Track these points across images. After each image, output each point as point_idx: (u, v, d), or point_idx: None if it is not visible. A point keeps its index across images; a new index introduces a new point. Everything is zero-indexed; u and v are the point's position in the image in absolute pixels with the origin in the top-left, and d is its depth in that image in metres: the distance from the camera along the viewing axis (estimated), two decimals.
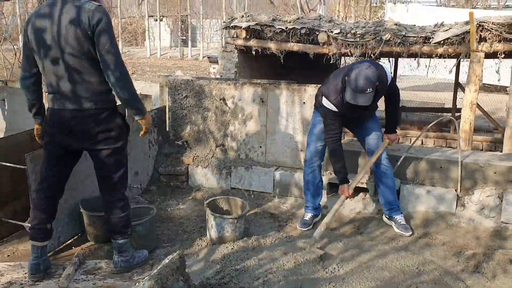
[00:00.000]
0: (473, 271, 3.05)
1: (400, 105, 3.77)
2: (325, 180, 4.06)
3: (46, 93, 2.84)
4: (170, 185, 4.61)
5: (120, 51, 2.78)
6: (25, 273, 2.93)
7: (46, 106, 2.92)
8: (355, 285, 2.69)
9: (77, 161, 3.04)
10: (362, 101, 3.20)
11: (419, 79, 13.93)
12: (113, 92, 2.77)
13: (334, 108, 3.43)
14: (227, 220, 3.40)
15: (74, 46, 2.63)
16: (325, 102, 3.46)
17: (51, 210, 2.96)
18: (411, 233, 3.65)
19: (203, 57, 24.02)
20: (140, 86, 9.22)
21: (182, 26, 28.06)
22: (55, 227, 3.25)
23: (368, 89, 3.17)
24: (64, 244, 3.42)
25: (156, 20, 28.32)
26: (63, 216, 3.39)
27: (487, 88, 12.92)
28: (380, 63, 3.51)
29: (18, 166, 3.26)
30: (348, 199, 3.60)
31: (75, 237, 3.55)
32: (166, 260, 2.30)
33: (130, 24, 32.99)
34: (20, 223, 3.50)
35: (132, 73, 17.64)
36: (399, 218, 3.75)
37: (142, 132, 3.03)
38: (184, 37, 27.84)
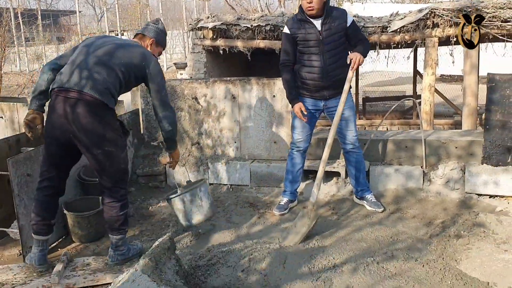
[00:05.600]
0: (440, 233, 3.31)
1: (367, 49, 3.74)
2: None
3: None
4: (149, 186, 4.69)
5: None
6: (15, 275, 2.98)
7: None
8: (335, 256, 2.85)
9: (77, 159, 3.11)
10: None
11: (380, 74, 14.40)
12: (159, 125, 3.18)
13: (287, 30, 3.67)
14: (185, 194, 3.39)
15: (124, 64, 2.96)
16: (284, 29, 3.72)
17: (53, 207, 3.05)
18: (383, 209, 3.86)
19: (167, 68, 23.96)
20: None
21: None
22: None
23: None
24: (50, 247, 3.46)
25: (117, 35, 28.26)
26: None
27: (445, 79, 13.49)
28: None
29: (0, 172, 3.30)
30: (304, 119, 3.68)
31: (60, 240, 3.60)
32: (157, 242, 2.42)
33: None
34: (4, 229, 3.53)
35: None
36: (370, 196, 3.95)
37: (172, 165, 3.46)
38: None
